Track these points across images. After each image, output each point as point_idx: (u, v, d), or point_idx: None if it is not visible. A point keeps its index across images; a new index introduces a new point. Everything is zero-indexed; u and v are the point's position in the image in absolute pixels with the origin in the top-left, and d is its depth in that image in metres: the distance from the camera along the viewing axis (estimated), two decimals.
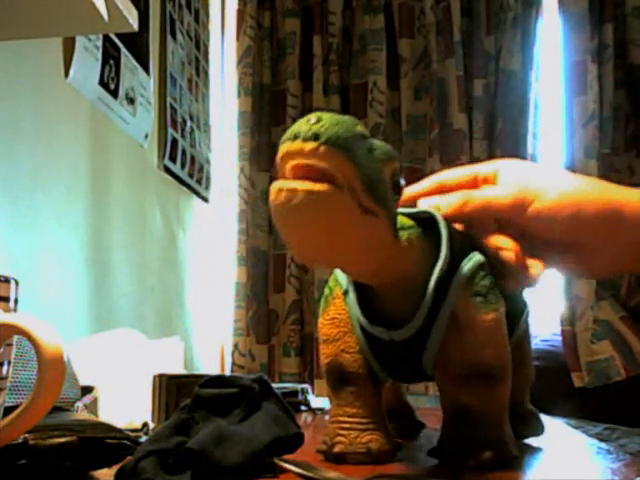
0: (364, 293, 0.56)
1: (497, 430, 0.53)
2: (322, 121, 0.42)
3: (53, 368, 0.39)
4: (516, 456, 0.53)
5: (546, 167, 0.59)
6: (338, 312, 0.57)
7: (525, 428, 0.64)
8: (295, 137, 0.41)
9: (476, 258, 0.54)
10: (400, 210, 0.52)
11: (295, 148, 0.41)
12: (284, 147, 0.42)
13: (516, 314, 0.63)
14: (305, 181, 0.41)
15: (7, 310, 0.41)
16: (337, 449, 0.55)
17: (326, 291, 0.59)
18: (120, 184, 1.46)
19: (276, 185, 0.42)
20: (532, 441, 0.66)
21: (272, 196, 0.42)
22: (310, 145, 0.41)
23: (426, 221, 0.54)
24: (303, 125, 0.42)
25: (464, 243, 0.55)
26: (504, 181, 0.56)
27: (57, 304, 1.16)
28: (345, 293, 0.57)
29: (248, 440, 0.47)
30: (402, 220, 0.52)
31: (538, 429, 0.67)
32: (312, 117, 0.42)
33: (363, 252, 0.46)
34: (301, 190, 0.41)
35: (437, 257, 0.52)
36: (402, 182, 0.47)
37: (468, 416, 0.53)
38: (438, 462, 0.55)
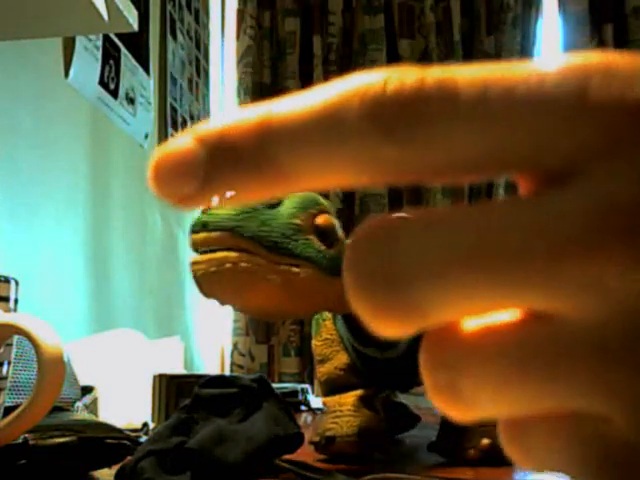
0: (353, 316, 0.57)
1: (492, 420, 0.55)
2: (210, 209, 0.45)
3: (53, 368, 0.39)
4: None
5: None
6: (330, 333, 0.61)
7: None
8: (191, 230, 0.46)
9: None
10: None
11: (192, 241, 0.46)
12: (188, 240, 0.47)
13: None
14: (207, 254, 0.45)
15: (7, 310, 0.41)
16: (329, 433, 0.57)
17: (316, 314, 0.61)
18: (120, 184, 1.46)
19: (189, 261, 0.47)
20: None
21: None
22: (202, 235, 0.45)
23: None
24: (197, 217, 0.46)
25: None
26: None
27: (57, 304, 1.16)
28: (335, 316, 0.59)
29: (248, 440, 0.47)
30: None
31: None
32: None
33: (298, 301, 0.48)
34: (204, 259, 0.45)
35: None
36: (326, 226, 0.48)
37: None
38: (437, 458, 0.55)
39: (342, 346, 0.60)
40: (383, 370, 0.58)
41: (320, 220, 0.48)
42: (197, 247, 0.46)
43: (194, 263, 0.46)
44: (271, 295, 0.46)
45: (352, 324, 0.57)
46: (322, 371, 0.61)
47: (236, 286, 0.46)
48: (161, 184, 0.14)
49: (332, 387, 0.60)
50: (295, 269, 0.46)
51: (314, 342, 0.62)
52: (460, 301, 0.12)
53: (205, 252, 0.45)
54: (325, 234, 0.49)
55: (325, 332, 0.61)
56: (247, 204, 0.46)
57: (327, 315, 0.61)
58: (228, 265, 0.45)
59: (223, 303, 0.48)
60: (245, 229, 0.45)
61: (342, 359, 0.60)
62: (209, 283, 0.45)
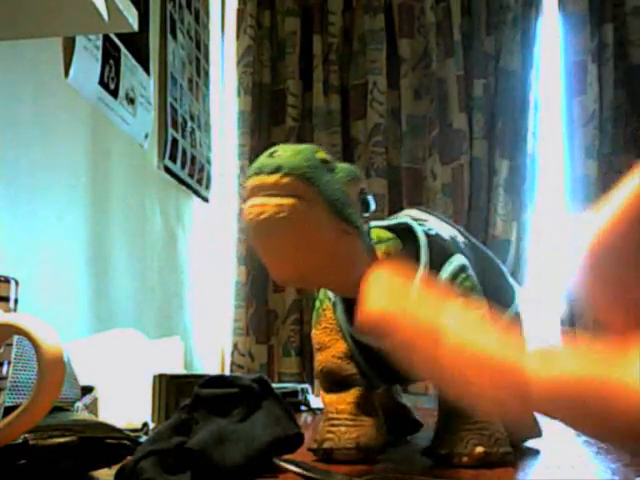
0: (352, 303, 0.57)
1: (488, 427, 0.54)
2: (282, 153, 0.45)
3: (53, 368, 0.39)
4: (508, 452, 0.53)
5: None
6: (329, 322, 0.60)
7: (523, 431, 0.64)
8: (259, 171, 0.44)
9: (457, 262, 0.55)
10: (376, 223, 0.54)
11: (260, 182, 0.44)
12: (250, 182, 0.45)
13: (502, 301, 0.63)
14: (274, 197, 0.44)
15: (7, 310, 0.41)
16: (326, 445, 0.56)
17: (317, 304, 0.62)
18: (120, 184, 1.46)
19: (248, 202, 0.45)
20: (532, 441, 0.66)
21: (245, 213, 0.45)
22: (273, 178, 0.44)
23: (404, 231, 0.55)
24: (265, 159, 0.45)
25: (444, 248, 0.56)
26: None
27: (57, 304, 1.16)
28: (334, 305, 0.59)
29: (248, 440, 0.47)
30: (379, 233, 0.55)
31: (536, 432, 0.67)
32: (273, 150, 0.45)
33: (338, 269, 0.48)
34: (271, 203, 0.44)
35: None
36: (370, 200, 0.49)
37: (459, 414, 0.54)
38: (433, 461, 0.55)
39: (341, 335, 0.59)
40: (379, 360, 0.58)
41: (364, 194, 0.49)
42: (261, 189, 0.44)
43: (255, 205, 0.44)
44: (323, 253, 0.46)
45: (351, 311, 0.57)
46: (320, 359, 0.60)
47: (298, 236, 0.45)
48: None
49: (330, 379, 0.60)
50: (350, 231, 0.46)
51: (314, 332, 0.61)
52: None
53: (264, 196, 0.44)
54: (365, 209, 0.49)
55: (325, 321, 0.60)
56: (310, 158, 0.45)
57: (327, 304, 0.60)
58: (298, 213, 0.44)
59: (271, 253, 0.46)
60: (317, 180, 0.45)
61: (340, 347, 0.59)
62: (271, 228, 0.44)
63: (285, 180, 0.44)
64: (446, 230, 0.59)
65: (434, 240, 0.55)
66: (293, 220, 0.44)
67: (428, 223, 0.58)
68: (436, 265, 0.54)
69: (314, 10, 2.39)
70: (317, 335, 0.61)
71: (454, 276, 0.54)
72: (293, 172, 0.44)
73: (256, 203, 0.44)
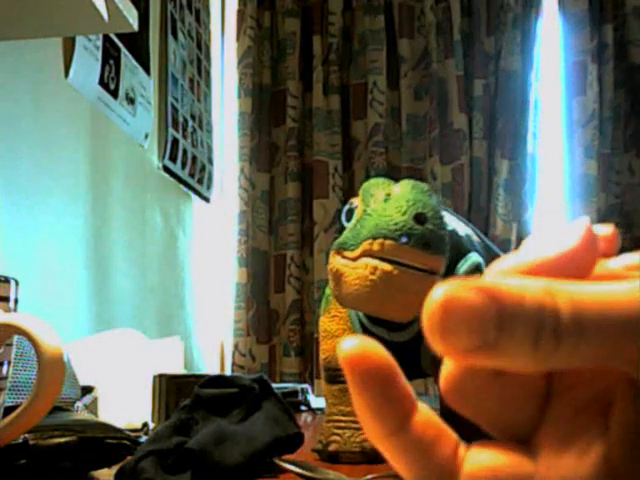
0: None
1: None
2: (428, 223, 0.44)
3: (53, 368, 0.39)
4: None
5: None
6: (339, 310, 0.59)
7: None
8: (402, 236, 0.44)
9: (472, 260, 0.55)
10: None
11: (401, 249, 0.44)
12: (389, 243, 0.44)
13: None
14: (409, 268, 0.45)
15: (7, 310, 0.41)
16: (332, 448, 0.56)
17: (327, 291, 0.60)
18: (120, 184, 1.46)
19: (371, 262, 0.45)
20: None
21: (370, 269, 0.45)
22: (418, 254, 0.44)
23: None
24: (408, 222, 0.44)
25: (460, 244, 0.56)
26: None
27: (57, 304, 1.16)
28: None
29: (248, 440, 0.47)
30: None
31: None
32: (420, 212, 0.45)
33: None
34: (406, 275, 0.45)
35: None
36: None
37: (461, 415, 0.54)
38: None
39: (350, 324, 0.58)
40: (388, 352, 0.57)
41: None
42: (400, 255, 0.45)
43: (390, 272, 0.44)
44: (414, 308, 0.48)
45: None
46: (325, 348, 0.59)
47: (413, 304, 0.46)
48: (447, 334, 0.15)
49: (333, 371, 0.59)
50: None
51: (321, 319, 0.60)
52: None
53: (391, 261, 0.44)
54: None
55: (334, 309, 0.59)
56: (445, 224, 0.46)
57: None
58: (427, 288, 0.45)
59: (377, 307, 0.48)
60: (446, 257, 0.47)
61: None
62: (395, 298, 0.45)
63: (434, 259, 0.45)
64: (461, 228, 0.59)
65: (450, 236, 0.56)
66: (421, 293, 0.46)
67: (444, 219, 0.58)
68: (452, 261, 0.54)
69: (314, 10, 2.39)
70: (325, 322, 0.60)
71: (469, 275, 0.55)
72: (440, 252, 0.45)
73: (387, 269, 0.44)
